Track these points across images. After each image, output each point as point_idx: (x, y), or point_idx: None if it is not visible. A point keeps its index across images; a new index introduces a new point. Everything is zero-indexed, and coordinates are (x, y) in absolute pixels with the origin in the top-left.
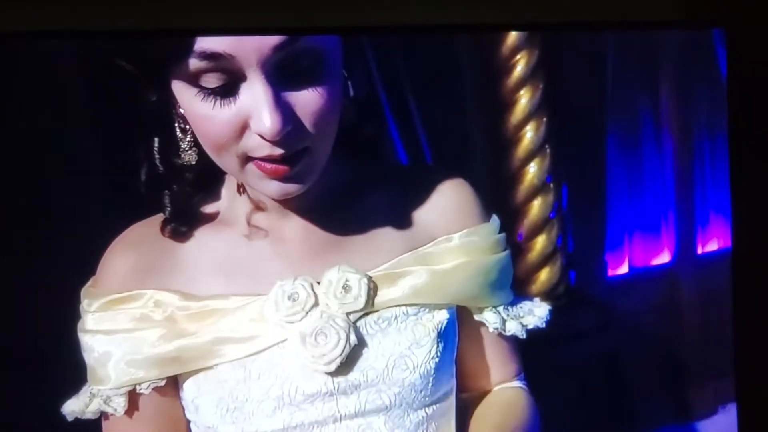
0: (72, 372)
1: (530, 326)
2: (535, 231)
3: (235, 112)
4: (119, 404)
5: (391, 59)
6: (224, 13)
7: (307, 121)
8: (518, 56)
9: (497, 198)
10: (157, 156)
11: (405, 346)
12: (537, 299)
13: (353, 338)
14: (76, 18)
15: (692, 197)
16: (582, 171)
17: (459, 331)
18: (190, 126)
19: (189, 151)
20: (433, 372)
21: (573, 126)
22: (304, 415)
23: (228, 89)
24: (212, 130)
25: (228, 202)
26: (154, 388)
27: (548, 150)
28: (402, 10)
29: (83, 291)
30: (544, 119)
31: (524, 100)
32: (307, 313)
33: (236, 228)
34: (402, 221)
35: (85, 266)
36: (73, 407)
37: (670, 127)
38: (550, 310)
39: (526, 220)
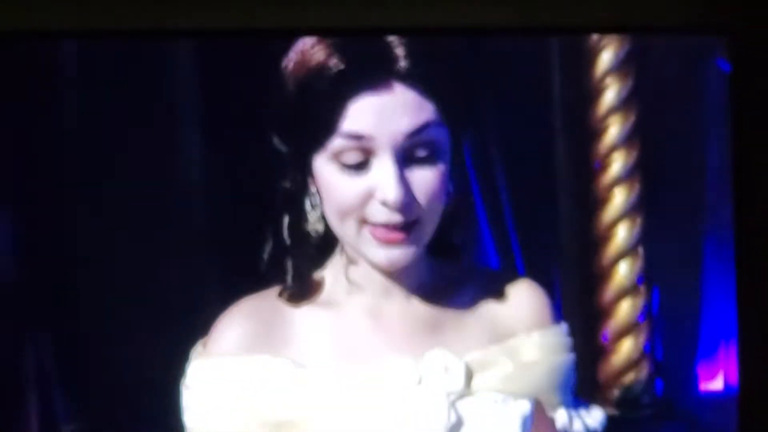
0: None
1: (591, 428)
2: (622, 334)
3: (365, 183)
4: None
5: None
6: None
7: (422, 197)
8: (615, 154)
9: (583, 296)
10: (286, 230)
11: (495, 430)
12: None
13: (453, 416)
14: None
15: None
16: (677, 274)
17: (534, 424)
18: (319, 201)
19: (316, 223)
20: None
21: (669, 225)
22: None
23: (362, 165)
24: (343, 198)
25: (336, 280)
26: None
27: (640, 250)
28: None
29: (194, 352)
30: (638, 219)
31: (619, 198)
32: (411, 389)
33: (342, 305)
34: (486, 316)
35: (192, 330)
36: None
37: None
38: (607, 417)
39: (613, 322)
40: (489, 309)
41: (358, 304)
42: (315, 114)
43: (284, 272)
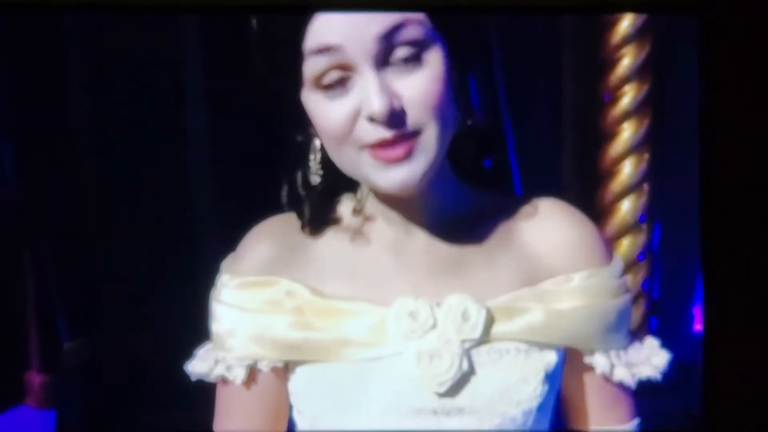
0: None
1: (642, 376)
2: None
3: (350, 102)
4: (239, 374)
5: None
6: None
7: (416, 105)
8: (626, 87)
9: None
10: (299, 182)
11: (512, 381)
12: (657, 344)
13: (465, 365)
14: None
15: None
16: (681, 213)
17: (565, 371)
18: (320, 146)
19: (319, 170)
20: (534, 411)
21: (678, 162)
22: (407, 426)
23: (344, 83)
24: (331, 124)
25: (356, 214)
26: (271, 368)
27: (646, 187)
28: None
29: (224, 265)
30: (646, 155)
31: (627, 133)
32: (425, 333)
33: (364, 236)
34: (522, 253)
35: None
36: (199, 369)
37: None
38: (670, 360)
39: None
40: (526, 245)
41: (380, 239)
42: (281, 39)
43: (302, 215)
